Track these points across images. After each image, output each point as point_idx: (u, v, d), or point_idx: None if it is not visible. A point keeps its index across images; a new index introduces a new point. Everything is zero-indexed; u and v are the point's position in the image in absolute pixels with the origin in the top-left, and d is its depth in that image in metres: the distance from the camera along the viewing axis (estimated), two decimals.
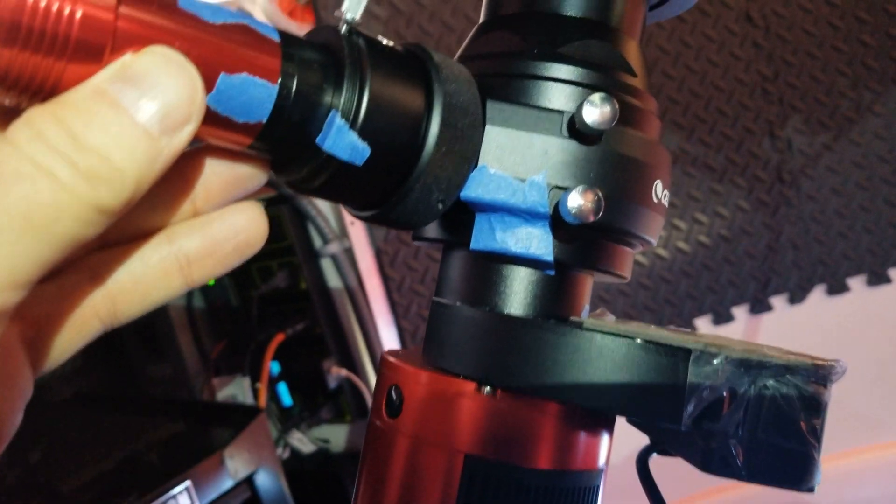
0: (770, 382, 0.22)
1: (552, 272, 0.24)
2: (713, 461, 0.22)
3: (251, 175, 0.21)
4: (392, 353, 0.26)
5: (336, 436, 0.89)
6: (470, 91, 0.22)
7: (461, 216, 0.23)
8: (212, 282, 0.95)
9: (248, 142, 0.19)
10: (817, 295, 1.00)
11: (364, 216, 0.23)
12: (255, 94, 0.18)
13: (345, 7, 0.20)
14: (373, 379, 0.86)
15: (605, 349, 0.21)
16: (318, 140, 0.20)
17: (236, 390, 0.84)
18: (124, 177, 0.16)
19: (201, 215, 0.20)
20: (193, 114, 0.17)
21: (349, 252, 0.87)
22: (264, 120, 0.19)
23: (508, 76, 0.24)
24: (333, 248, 0.85)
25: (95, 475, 0.65)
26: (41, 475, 0.67)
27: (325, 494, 0.82)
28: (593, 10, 0.24)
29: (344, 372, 0.84)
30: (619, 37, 0.25)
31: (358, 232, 0.87)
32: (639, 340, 0.21)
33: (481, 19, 0.27)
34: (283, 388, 0.88)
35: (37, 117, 0.15)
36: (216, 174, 0.20)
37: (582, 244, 0.24)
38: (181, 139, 0.17)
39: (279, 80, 0.19)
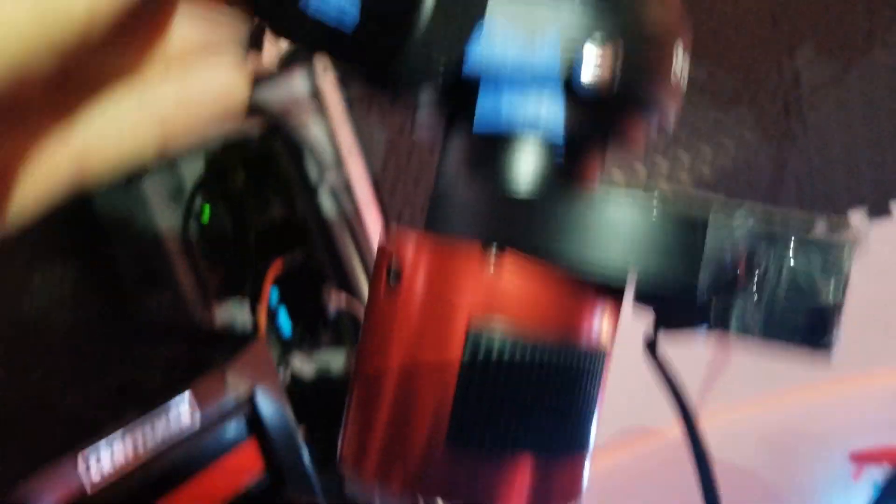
0: (791, 243, 0.21)
1: (561, 143, 0.23)
2: (727, 322, 0.21)
3: (229, 26, 0.20)
4: (390, 229, 0.25)
5: (336, 361, 0.89)
6: None
7: (462, 88, 0.22)
8: (207, 216, 0.94)
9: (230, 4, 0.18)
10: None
11: (360, 78, 0.22)
12: None
13: None
14: None
15: (618, 213, 0.20)
16: (300, 5, 0.19)
17: (235, 317, 0.84)
18: (73, 13, 0.15)
19: (179, 67, 0.19)
20: None
21: (346, 183, 0.85)
22: None
23: None
24: (330, 178, 0.84)
25: (95, 394, 0.65)
26: (40, 394, 0.68)
27: (326, 418, 0.83)
28: None
29: (343, 299, 0.84)
30: None
31: (355, 162, 0.85)
32: (655, 205, 0.20)
33: None
34: (282, 317, 0.88)
35: None
36: (193, 25, 0.19)
37: (595, 113, 0.22)
38: None
39: None
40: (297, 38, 0.20)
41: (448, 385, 0.21)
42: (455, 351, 0.21)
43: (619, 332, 0.24)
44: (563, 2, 0.21)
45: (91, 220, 1.01)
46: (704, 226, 0.20)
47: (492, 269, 0.21)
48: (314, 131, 0.85)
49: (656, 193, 0.22)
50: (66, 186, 0.19)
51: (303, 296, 0.85)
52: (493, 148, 0.23)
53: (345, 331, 0.86)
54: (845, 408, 0.95)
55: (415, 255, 0.22)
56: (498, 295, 0.21)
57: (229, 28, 0.20)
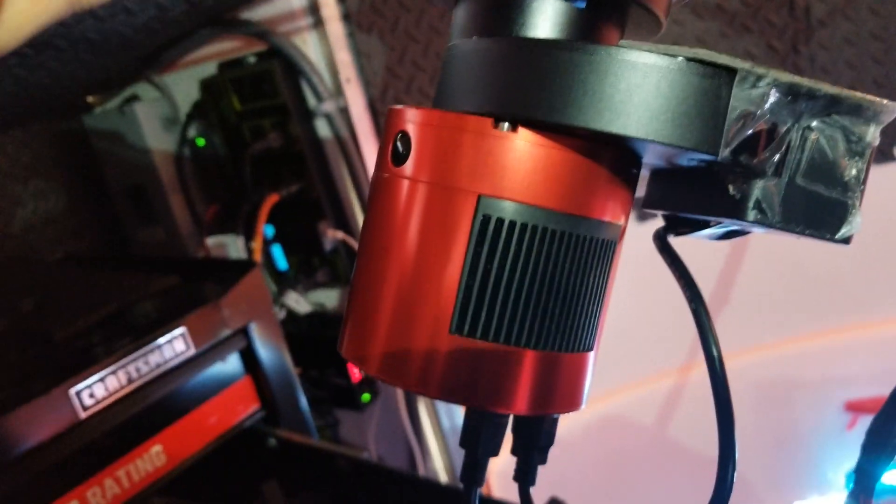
0: (815, 123, 0.20)
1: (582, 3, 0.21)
2: (745, 207, 0.20)
3: None
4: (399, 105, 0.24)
5: (332, 299, 0.88)
6: None
7: None
8: (202, 142, 0.91)
9: None
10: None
11: None
12: None
13: None
14: None
15: (640, 69, 0.19)
16: None
17: (231, 251, 0.82)
18: None
19: None
20: None
21: (344, 111, 0.82)
22: None
23: None
24: (328, 106, 0.81)
25: (89, 324, 0.64)
26: (33, 324, 0.66)
27: (321, 355, 0.82)
28: None
29: (339, 234, 0.83)
30: None
31: (354, 90, 0.82)
32: (680, 58, 0.19)
33: None
34: (277, 251, 0.86)
35: None
36: None
37: None
38: None
39: None
40: None
41: (455, 268, 0.20)
42: (463, 232, 0.20)
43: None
44: None
45: (85, 147, 0.98)
46: (730, 83, 0.19)
47: (503, 141, 0.20)
48: (312, 54, 0.81)
49: (680, 49, 0.20)
50: (62, 7, 0.18)
51: (298, 231, 0.83)
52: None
53: (340, 268, 0.85)
54: (842, 357, 0.95)
55: (423, 129, 0.21)
56: (509, 172, 0.20)
57: None
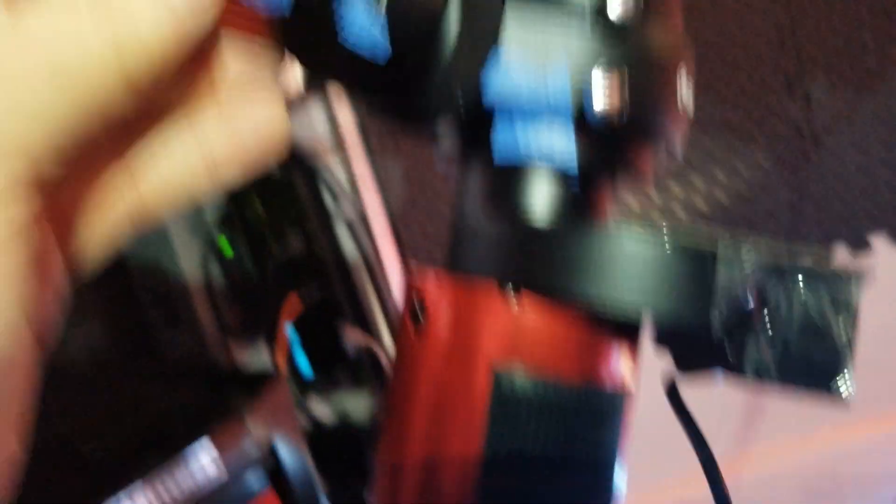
0: (800, 287, 0.21)
1: (575, 174, 0.23)
2: (744, 364, 0.21)
3: (269, 64, 0.21)
4: (413, 266, 0.26)
5: (354, 403, 0.89)
6: None
7: (478, 123, 0.23)
8: (228, 250, 0.94)
9: (270, 32, 0.20)
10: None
11: (380, 109, 0.23)
12: None
13: None
14: (390, 346, 0.86)
15: (631, 250, 0.21)
16: (338, 34, 0.20)
17: (254, 355, 0.84)
18: (149, 50, 0.16)
19: (224, 112, 0.21)
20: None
21: (363, 215, 0.85)
22: (283, 10, 0.19)
23: None
24: (347, 211, 0.84)
25: (117, 439, 0.65)
26: (60, 439, 0.68)
27: (344, 460, 0.82)
28: None
29: (361, 338, 0.84)
30: None
31: (371, 196, 0.86)
32: (666, 242, 0.21)
33: None
34: (300, 356, 0.87)
35: None
36: (237, 64, 0.20)
37: (606, 145, 0.23)
38: (204, 20, 0.17)
39: None
40: (329, 70, 0.21)
41: (474, 432, 0.22)
42: (480, 393, 0.22)
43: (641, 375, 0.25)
44: (571, 30, 0.22)
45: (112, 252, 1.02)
46: (714, 260, 0.20)
47: (511, 309, 0.22)
48: (331, 161, 0.85)
49: (666, 228, 0.22)
50: (126, 226, 0.20)
51: (320, 334, 0.84)
52: (509, 178, 0.24)
53: (363, 371, 0.86)
54: (892, 448, 0.92)
55: (437, 294, 0.23)
56: (519, 335, 0.22)
57: (267, 63, 0.21)
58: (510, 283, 0.22)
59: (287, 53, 0.21)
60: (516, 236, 0.23)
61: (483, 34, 0.21)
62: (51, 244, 0.18)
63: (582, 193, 0.24)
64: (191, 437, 0.62)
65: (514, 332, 0.22)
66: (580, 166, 0.23)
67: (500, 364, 0.22)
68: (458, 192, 0.26)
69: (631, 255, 0.21)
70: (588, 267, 0.21)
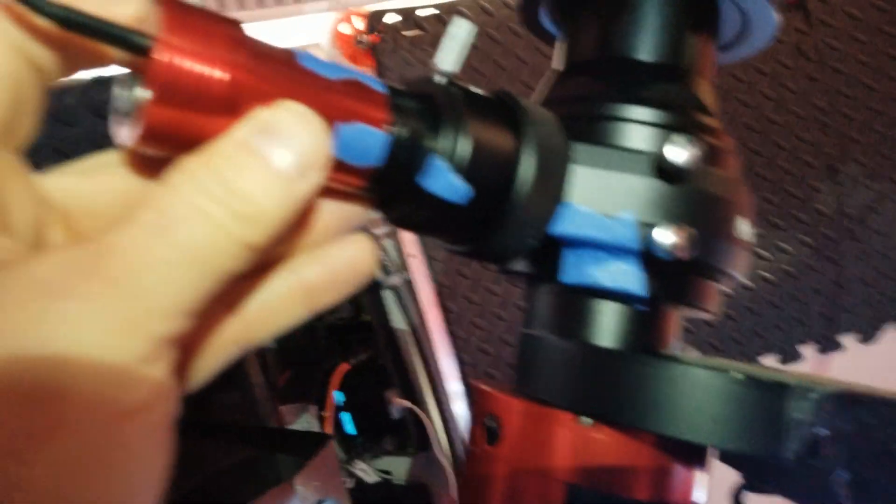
0: (871, 419, 0.22)
1: (642, 306, 0.24)
2: (816, 496, 0.22)
3: (359, 211, 0.23)
4: (483, 382, 0.27)
5: (398, 467, 0.90)
6: (557, 134, 0.23)
7: (549, 251, 0.24)
8: None
9: (362, 184, 0.21)
10: (890, 333, 0.96)
11: (458, 250, 0.25)
12: (369, 141, 0.20)
13: (438, 59, 0.22)
14: (434, 411, 0.87)
15: (701, 382, 0.22)
16: (419, 181, 0.21)
17: (302, 418, 0.86)
18: (267, 217, 0.18)
19: (319, 248, 0.22)
20: (321, 161, 0.19)
21: (409, 284, 0.89)
22: (376, 164, 0.21)
23: (592, 119, 0.25)
24: (394, 280, 0.88)
25: (168, 498, 0.67)
26: None
27: None
28: (667, 55, 0.26)
29: (406, 403, 0.86)
30: (694, 78, 0.26)
31: (418, 265, 0.89)
32: (736, 375, 0.21)
33: (556, 66, 0.28)
34: (346, 418, 0.89)
35: (193, 165, 0.18)
36: (331, 211, 0.22)
37: (672, 280, 0.24)
38: (312, 183, 0.19)
39: (388, 128, 0.21)
40: (411, 214, 0.23)
41: None
42: None
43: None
44: (636, 175, 0.23)
45: None
46: (785, 391, 0.21)
47: (583, 431, 0.23)
48: (379, 231, 0.89)
49: (734, 365, 0.23)
50: (234, 354, 0.22)
51: (367, 400, 0.87)
52: (577, 302, 0.25)
53: (408, 437, 0.87)
54: None
55: (512, 417, 0.24)
56: (591, 456, 0.23)
57: (358, 212, 0.23)
58: (582, 413, 0.23)
59: (374, 200, 0.23)
60: (585, 361, 0.24)
61: (554, 178, 0.23)
62: (174, 382, 0.20)
63: (649, 320, 0.24)
64: (240, 497, 0.64)
65: (586, 453, 0.23)
66: (646, 297, 0.24)
67: (573, 486, 0.23)
68: (525, 312, 0.27)
69: (698, 385, 0.21)
70: (656, 396, 0.22)
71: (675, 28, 0.26)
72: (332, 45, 0.81)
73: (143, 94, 0.17)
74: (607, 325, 0.24)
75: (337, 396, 0.88)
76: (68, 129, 0.70)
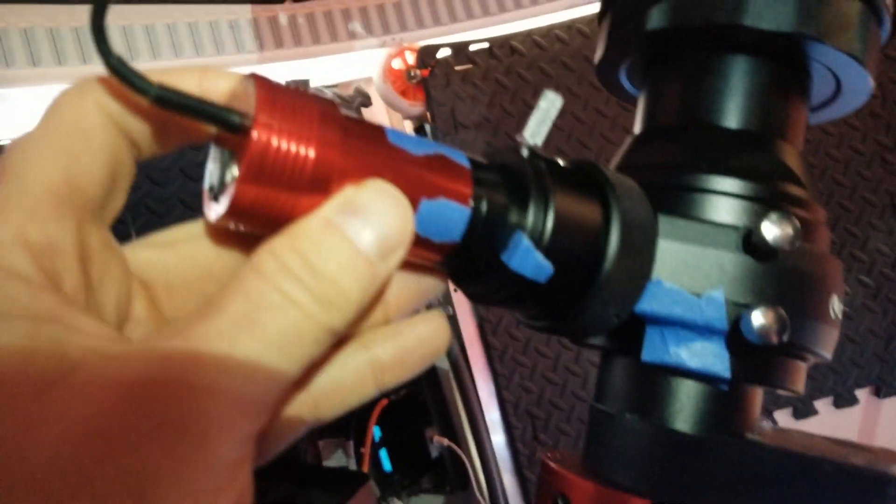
0: None
1: (725, 387, 0.23)
2: None
3: (434, 286, 0.22)
4: (552, 456, 0.26)
5: None
6: (644, 207, 0.22)
7: (629, 326, 0.23)
8: None
9: (440, 259, 0.21)
10: None
11: (537, 325, 0.23)
12: (452, 216, 0.20)
13: (528, 133, 0.22)
14: (474, 449, 0.85)
15: (788, 469, 0.21)
16: (503, 258, 0.20)
17: (340, 454, 0.85)
18: (350, 300, 0.18)
19: (391, 324, 0.22)
20: (405, 240, 0.18)
21: (452, 319, 0.87)
22: (457, 239, 0.20)
23: (677, 189, 0.24)
24: None
25: None
26: None
27: None
28: (756, 122, 0.24)
29: (445, 441, 0.84)
30: (784, 147, 0.25)
31: (461, 299, 0.87)
32: (827, 462, 0.20)
33: (637, 129, 0.27)
34: (384, 454, 0.88)
35: (279, 249, 0.17)
36: (405, 286, 0.22)
37: (758, 361, 0.23)
38: (394, 263, 0.18)
39: (471, 204, 0.20)
40: (490, 293, 0.22)
41: None
42: None
43: None
44: (725, 252, 0.22)
45: None
46: (888, 483, 0.20)
47: None
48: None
49: (817, 444, 0.22)
50: (303, 430, 0.21)
51: (405, 436, 0.85)
52: (656, 381, 0.23)
53: (445, 476, 0.85)
54: None
55: (582, 501, 0.23)
56: None
57: (433, 286, 0.22)
58: (660, 498, 0.22)
59: (451, 277, 0.22)
60: (663, 444, 0.23)
61: (641, 255, 0.22)
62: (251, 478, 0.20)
63: (732, 402, 0.23)
64: None
65: None
66: (731, 378, 0.22)
67: None
68: (597, 386, 0.26)
69: (787, 475, 0.21)
70: (742, 485, 0.21)
71: (764, 93, 0.24)
72: (383, 79, 0.81)
73: (233, 170, 0.17)
74: (688, 407, 0.23)
75: (375, 432, 0.87)
76: (160, 189, 0.72)
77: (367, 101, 0.81)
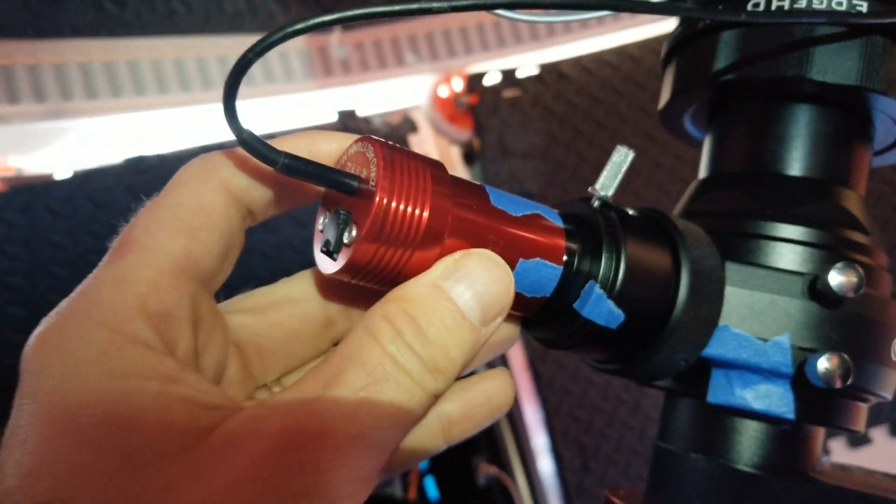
0: None
1: (791, 424, 0.24)
2: None
3: (510, 335, 0.23)
4: (615, 492, 0.26)
5: None
6: (713, 256, 0.23)
7: (695, 368, 0.24)
8: None
9: (529, 314, 0.22)
10: None
11: (604, 368, 0.24)
12: (546, 275, 0.21)
13: (600, 185, 0.22)
14: (521, 478, 0.84)
15: None
16: (576, 306, 0.21)
17: (386, 483, 0.84)
18: (455, 366, 0.18)
19: (460, 379, 0.22)
20: (506, 305, 0.19)
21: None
22: (548, 295, 0.21)
23: (743, 236, 0.24)
24: None
25: None
26: None
27: None
28: (819, 170, 0.25)
29: (493, 470, 0.83)
30: (847, 193, 0.25)
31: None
32: (889, 502, 0.21)
33: (702, 175, 0.28)
34: (430, 483, 0.87)
35: (393, 315, 0.18)
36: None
37: (821, 402, 0.24)
38: (495, 327, 0.19)
39: (564, 261, 0.21)
40: (563, 338, 0.22)
41: None
42: None
43: None
44: (791, 307, 0.22)
45: None
46: None
47: None
48: None
49: (878, 481, 0.22)
50: (372, 486, 0.21)
51: (452, 465, 0.84)
52: (721, 422, 0.24)
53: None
54: None
55: None
56: None
57: (510, 337, 0.23)
58: None
59: (523, 323, 0.23)
60: (728, 483, 0.23)
61: (710, 302, 0.22)
62: None
63: (795, 441, 0.24)
64: None
65: None
66: (795, 419, 0.23)
67: None
68: (661, 427, 0.26)
69: None
70: None
71: (828, 142, 0.25)
72: (432, 106, 0.80)
73: (352, 229, 0.18)
74: (752, 447, 0.24)
75: (422, 463, 0.86)
76: (272, 235, 0.73)
77: (413, 128, 0.81)
